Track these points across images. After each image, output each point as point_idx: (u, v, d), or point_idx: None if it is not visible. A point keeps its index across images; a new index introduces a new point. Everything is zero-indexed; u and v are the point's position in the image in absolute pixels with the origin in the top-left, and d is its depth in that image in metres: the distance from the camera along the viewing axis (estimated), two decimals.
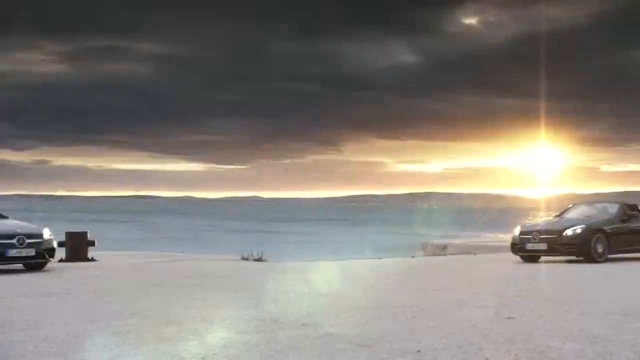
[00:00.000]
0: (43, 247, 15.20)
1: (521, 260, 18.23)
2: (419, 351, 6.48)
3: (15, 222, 16.17)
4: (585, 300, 10.17)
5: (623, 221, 18.56)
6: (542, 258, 18.33)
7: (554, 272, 15.75)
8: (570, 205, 20.46)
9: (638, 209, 19.07)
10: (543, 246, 17.85)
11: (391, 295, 11.02)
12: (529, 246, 18.00)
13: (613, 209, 19.09)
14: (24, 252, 14.82)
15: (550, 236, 17.89)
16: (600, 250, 17.64)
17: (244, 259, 20.08)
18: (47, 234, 15.52)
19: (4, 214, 16.78)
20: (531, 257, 18.20)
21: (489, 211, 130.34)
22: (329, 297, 10.77)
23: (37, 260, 15.19)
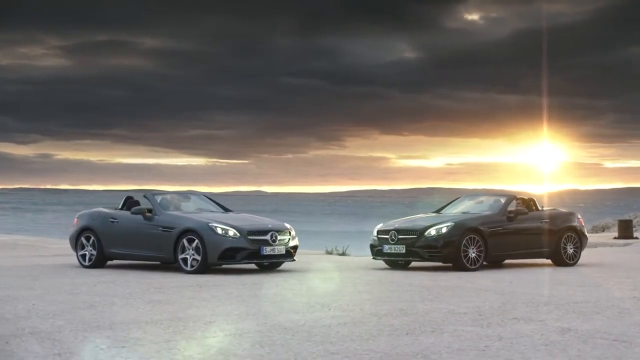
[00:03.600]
0: (291, 244, 14.11)
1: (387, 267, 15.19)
2: None
3: (256, 216, 15.28)
4: None
5: (509, 219, 15.14)
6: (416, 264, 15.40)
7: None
8: (455, 199, 16.95)
9: (536, 205, 15.88)
10: (401, 249, 14.61)
11: (540, 289, 11.06)
12: (387, 248, 14.82)
13: (497, 203, 15.62)
14: (276, 250, 13.78)
15: (409, 236, 14.62)
16: (472, 255, 14.40)
17: (328, 252, 20.15)
18: (292, 229, 14.37)
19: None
20: (396, 263, 15.08)
21: None
22: (489, 292, 10.83)
23: (285, 259, 14.03)
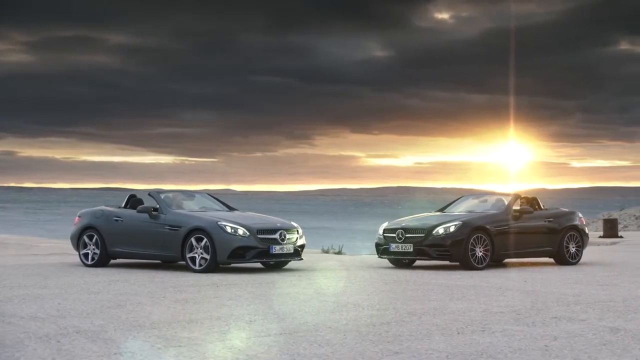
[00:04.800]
0: (298, 243, 14.06)
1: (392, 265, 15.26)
2: None
3: (263, 215, 15.12)
4: None
5: (515, 218, 15.21)
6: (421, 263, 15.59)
7: None
8: (458, 198, 17.01)
9: (539, 204, 16.04)
10: (408, 248, 14.62)
11: (561, 288, 11.06)
12: (393, 247, 14.81)
13: (502, 202, 15.71)
14: (285, 249, 13.73)
15: (417, 235, 14.63)
16: (479, 254, 14.45)
17: (324, 251, 20.09)
18: (299, 228, 14.35)
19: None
20: (400, 261, 15.18)
21: None
22: (512, 291, 10.82)
23: (293, 257, 13.96)
